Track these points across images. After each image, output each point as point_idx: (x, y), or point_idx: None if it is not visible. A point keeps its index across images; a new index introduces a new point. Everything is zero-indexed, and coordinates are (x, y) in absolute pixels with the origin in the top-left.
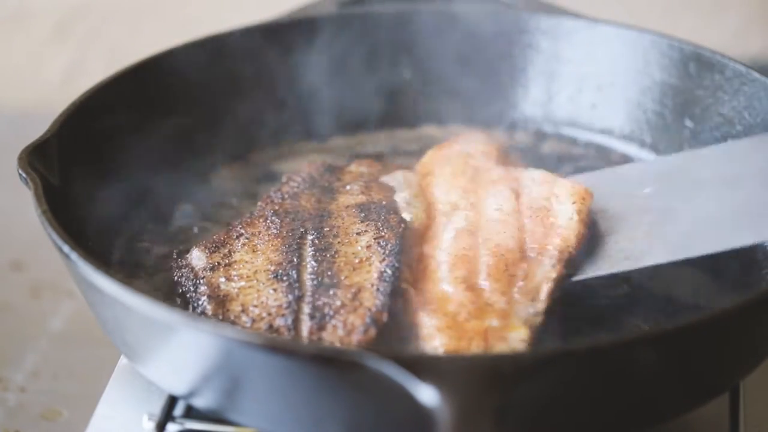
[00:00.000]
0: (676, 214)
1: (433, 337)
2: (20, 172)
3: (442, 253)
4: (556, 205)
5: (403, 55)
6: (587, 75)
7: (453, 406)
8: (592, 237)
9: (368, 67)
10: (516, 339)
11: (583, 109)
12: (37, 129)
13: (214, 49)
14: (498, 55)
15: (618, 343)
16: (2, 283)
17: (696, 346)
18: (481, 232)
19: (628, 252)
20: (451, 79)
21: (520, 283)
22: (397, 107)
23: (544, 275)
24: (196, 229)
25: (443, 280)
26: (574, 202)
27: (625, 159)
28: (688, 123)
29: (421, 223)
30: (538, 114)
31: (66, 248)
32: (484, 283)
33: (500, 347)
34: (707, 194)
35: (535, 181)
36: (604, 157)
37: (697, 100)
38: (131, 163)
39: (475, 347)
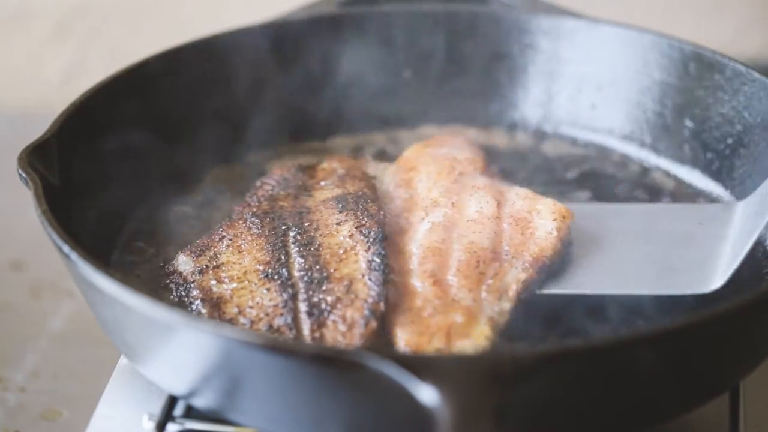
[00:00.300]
0: (635, 254)
1: (395, 332)
2: (20, 172)
3: (415, 244)
4: (536, 219)
5: (403, 54)
6: (587, 75)
7: (453, 405)
8: (565, 255)
9: (368, 67)
10: (480, 336)
11: (583, 109)
12: (37, 129)
13: (214, 49)
14: (498, 55)
15: (618, 343)
16: (2, 283)
17: (696, 346)
18: (457, 229)
19: (591, 276)
20: (451, 79)
21: (489, 281)
22: (397, 107)
23: (515, 276)
24: (195, 229)
25: (412, 273)
26: (554, 219)
27: (625, 159)
28: (688, 123)
29: (400, 214)
30: (538, 114)
31: (66, 248)
32: (452, 278)
33: (462, 344)
34: (662, 243)
35: (518, 195)
36: (604, 157)
37: (697, 100)
38: (131, 163)
39: (437, 342)
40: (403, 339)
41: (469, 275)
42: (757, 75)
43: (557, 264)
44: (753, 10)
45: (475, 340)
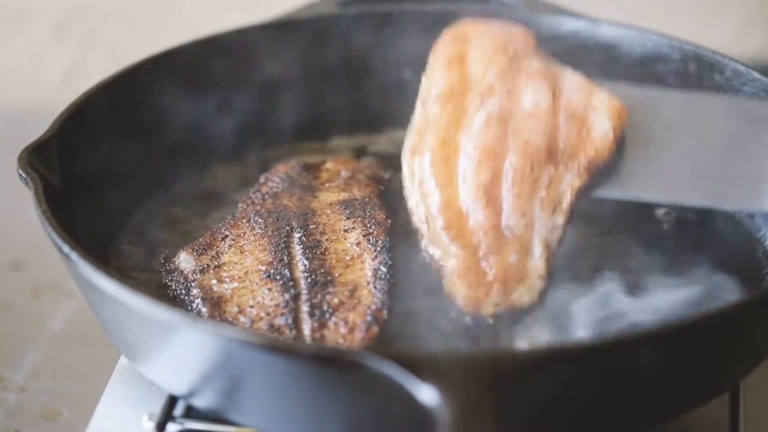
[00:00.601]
0: (688, 156)
1: (454, 284)
2: (20, 172)
3: (470, 141)
4: (592, 116)
5: (404, 55)
6: (587, 75)
7: (453, 405)
8: (617, 152)
9: (368, 67)
10: (534, 276)
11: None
12: (37, 129)
13: (214, 49)
14: None
15: (618, 343)
16: (2, 283)
17: (696, 346)
18: (513, 124)
19: (644, 180)
20: None
21: (543, 193)
22: (398, 108)
23: (569, 182)
24: (196, 229)
25: (466, 183)
26: (611, 118)
27: None
28: None
29: (452, 96)
30: None
31: (66, 248)
32: (506, 196)
33: (519, 292)
34: (723, 145)
35: (574, 85)
36: None
37: None
38: (131, 163)
39: (494, 296)
40: (461, 295)
41: (523, 191)
42: (757, 75)
43: (610, 163)
44: (752, 11)
45: (530, 281)
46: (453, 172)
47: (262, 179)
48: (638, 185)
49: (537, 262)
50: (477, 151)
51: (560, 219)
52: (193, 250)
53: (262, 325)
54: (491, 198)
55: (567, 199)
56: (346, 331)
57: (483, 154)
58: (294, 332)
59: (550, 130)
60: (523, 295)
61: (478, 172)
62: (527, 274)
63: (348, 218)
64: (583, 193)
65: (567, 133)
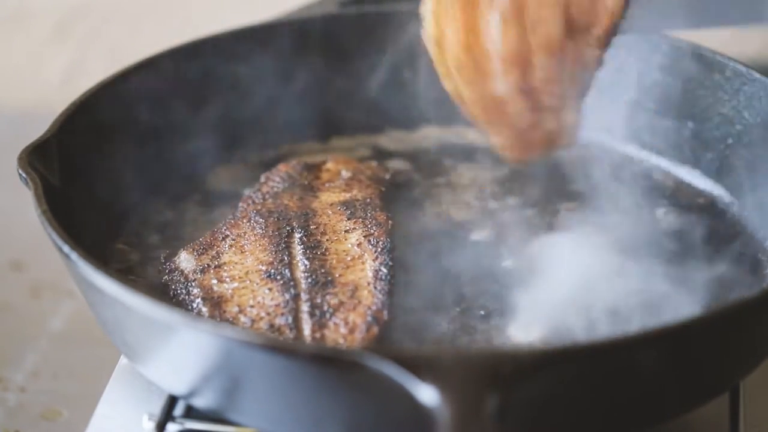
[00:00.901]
0: None
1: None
2: (20, 172)
3: (492, 46)
4: None
5: (404, 55)
6: None
7: (453, 405)
8: None
9: (368, 67)
10: (570, 128)
11: (584, 109)
12: (37, 129)
13: (214, 50)
14: None
15: (618, 342)
16: (2, 283)
17: (696, 345)
18: (529, 16)
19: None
20: None
21: (569, 73)
22: (398, 108)
23: (591, 55)
24: (196, 229)
25: (499, 77)
26: None
27: (625, 159)
28: (689, 123)
29: None
30: None
31: (66, 248)
32: (538, 84)
33: (561, 140)
34: None
35: None
36: (605, 158)
37: (697, 100)
38: (131, 163)
39: (540, 153)
40: (508, 155)
41: (551, 78)
42: (757, 75)
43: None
44: None
45: (566, 132)
46: (483, 66)
47: (262, 179)
48: (646, 23)
49: (570, 116)
50: (500, 58)
51: (588, 80)
52: (193, 249)
53: (263, 325)
54: (523, 90)
55: (592, 69)
56: (347, 331)
57: (508, 61)
58: (294, 332)
59: (564, 9)
60: (562, 144)
61: (507, 73)
62: (564, 129)
63: (349, 219)
64: (605, 54)
65: (579, 3)
